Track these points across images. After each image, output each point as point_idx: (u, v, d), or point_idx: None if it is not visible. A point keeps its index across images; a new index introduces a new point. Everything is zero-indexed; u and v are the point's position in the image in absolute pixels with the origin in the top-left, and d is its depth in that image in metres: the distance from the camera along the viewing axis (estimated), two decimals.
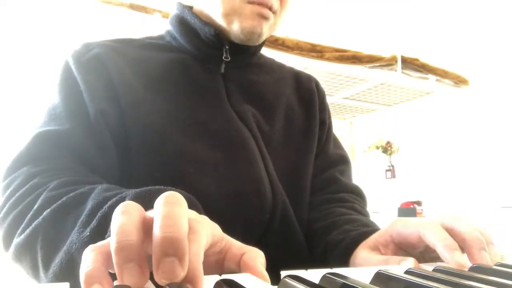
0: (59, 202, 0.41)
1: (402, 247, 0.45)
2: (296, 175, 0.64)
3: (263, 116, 0.64)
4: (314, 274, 0.29)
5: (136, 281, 0.23)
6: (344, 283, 0.25)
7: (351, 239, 0.51)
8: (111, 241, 0.24)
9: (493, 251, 0.40)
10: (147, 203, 0.34)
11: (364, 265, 0.47)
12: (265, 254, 0.32)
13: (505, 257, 0.42)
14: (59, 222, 0.40)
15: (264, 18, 0.58)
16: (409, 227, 0.43)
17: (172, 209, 0.25)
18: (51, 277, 0.38)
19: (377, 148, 3.25)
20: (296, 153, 0.66)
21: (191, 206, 0.35)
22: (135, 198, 0.36)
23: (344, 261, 0.50)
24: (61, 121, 0.52)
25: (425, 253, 0.45)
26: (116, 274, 0.23)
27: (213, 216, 0.33)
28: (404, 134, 3.22)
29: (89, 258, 0.24)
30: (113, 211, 0.27)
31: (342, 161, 0.73)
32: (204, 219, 0.30)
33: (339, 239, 0.53)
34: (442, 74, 2.49)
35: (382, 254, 0.46)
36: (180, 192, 0.36)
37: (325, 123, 0.73)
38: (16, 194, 0.45)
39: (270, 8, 0.58)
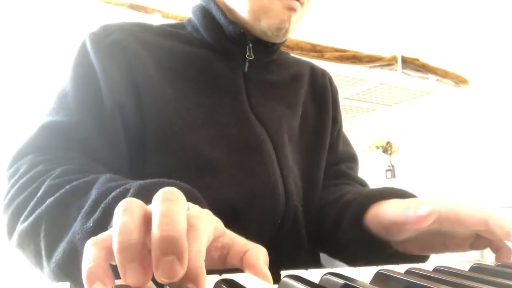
0: (63, 190, 0.41)
1: (445, 226, 0.44)
2: (309, 171, 0.65)
3: (289, 112, 0.65)
4: (314, 274, 0.29)
5: (139, 280, 0.23)
6: (344, 283, 0.25)
7: (365, 195, 0.52)
8: (113, 241, 0.24)
9: None
10: (152, 196, 0.34)
11: (384, 213, 0.48)
12: (272, 255, 0.31)
13: None
14: (62, 211, 0.39)
15: (293, 10, 0.57)
16: (476, 213, 0.42)
17: (169, 207, 0.25)
18: (54, 267, 0.38)
19: (377, 148, 3.25)
20: (309, 149, 0.66)
21: (193, 200, 0.34)
22: (140, 190, 0.36)
23: (359, 218, 0.50)
24: (70, 112, 0.51)
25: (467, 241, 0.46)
26: (120, 273, 0.23)
27: (226, 218, 0.33)
28: (404, 134, 3.21)
29: (91, 254, 0.24)
30: (117, 202, 0.26)
31: (351, 158, 0.74)
32: (205, 214, 0.30)
33: (352, 198, 0.54)
34: (442, 74, 2.48)
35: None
36: (182, 186, 0.36)
37: (337, 120, 0.73)
38: (20, 181, 0.45)
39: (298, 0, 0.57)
